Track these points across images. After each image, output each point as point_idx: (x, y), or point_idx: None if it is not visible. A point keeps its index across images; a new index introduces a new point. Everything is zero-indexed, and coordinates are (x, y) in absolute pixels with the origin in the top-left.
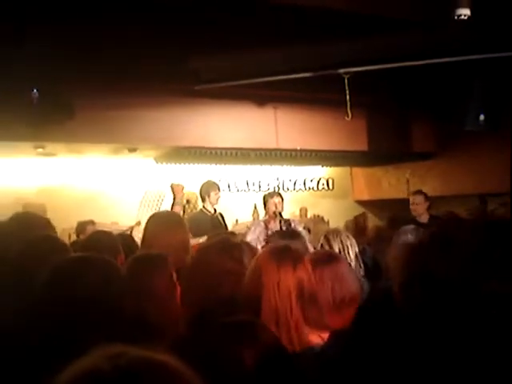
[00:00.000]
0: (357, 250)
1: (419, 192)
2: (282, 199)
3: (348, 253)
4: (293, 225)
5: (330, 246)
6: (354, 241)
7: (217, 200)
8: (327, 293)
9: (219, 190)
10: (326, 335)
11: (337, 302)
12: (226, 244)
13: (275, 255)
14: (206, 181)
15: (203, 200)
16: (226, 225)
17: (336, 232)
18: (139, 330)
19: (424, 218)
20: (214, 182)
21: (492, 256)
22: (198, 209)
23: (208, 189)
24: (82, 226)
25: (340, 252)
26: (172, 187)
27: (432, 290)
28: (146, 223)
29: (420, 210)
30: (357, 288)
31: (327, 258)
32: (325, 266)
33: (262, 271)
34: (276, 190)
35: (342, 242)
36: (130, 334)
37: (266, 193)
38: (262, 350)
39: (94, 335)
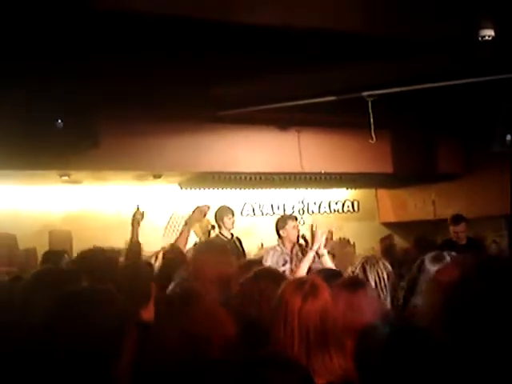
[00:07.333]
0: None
1: (461, 218)
2: None
3: (384, 285)
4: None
5: (366, 278)
6: (390, 270)
7: (232, 224)
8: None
9: (233, 214)
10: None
11: (346, 328)
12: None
13: (290, 288)
14: (219, 207)
15: (219, 227)
16: (243, 249)
17: (373, 262)
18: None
19: (463, 240)
20: (228, 207)
21: None
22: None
23: (221, 214)
24: None
25: (376, 285)
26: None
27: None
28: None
29: (464, 236)
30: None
31: (350, 284)
32: (343, 291)
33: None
34: (291, 214)
35: (378, 273)
36: None
37: (280, 217)
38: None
39: None
